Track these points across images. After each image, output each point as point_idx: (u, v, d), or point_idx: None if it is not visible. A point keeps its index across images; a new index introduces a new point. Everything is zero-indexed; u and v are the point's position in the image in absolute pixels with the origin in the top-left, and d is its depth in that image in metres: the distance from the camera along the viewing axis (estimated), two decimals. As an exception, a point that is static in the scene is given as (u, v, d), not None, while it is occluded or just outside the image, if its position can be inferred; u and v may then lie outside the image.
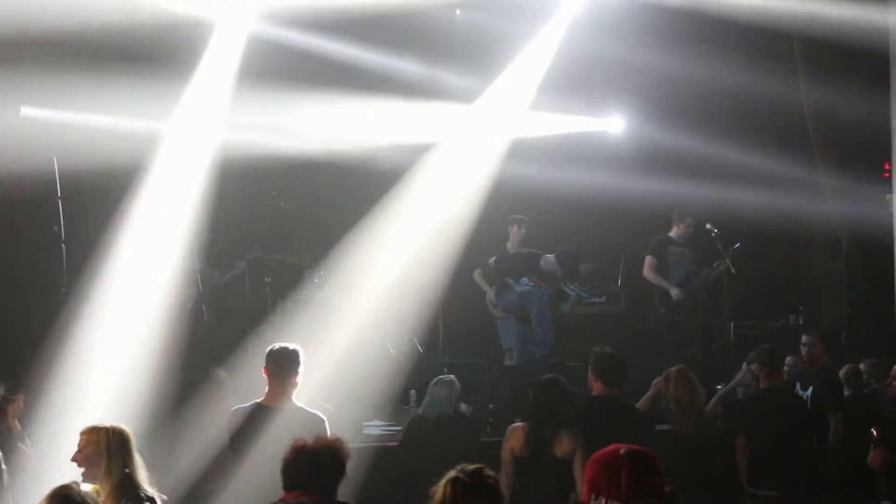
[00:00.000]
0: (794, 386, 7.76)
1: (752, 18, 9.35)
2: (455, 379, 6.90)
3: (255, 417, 5.49)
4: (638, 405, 7.10)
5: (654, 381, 7.35)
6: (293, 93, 9.30)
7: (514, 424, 6.00)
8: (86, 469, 4.78)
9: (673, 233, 10.18)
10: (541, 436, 5.76)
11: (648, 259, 10.16)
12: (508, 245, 10.42)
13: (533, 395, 5.92)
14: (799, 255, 11.78)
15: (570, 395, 5.98)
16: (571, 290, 10.48)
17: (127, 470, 4.76)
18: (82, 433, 4.88)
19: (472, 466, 3.55)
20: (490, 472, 3.55)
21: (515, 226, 10.38)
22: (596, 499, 3.25)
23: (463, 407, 7.23)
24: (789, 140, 10.63)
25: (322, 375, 6.88)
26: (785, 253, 11.73)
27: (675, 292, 9.95)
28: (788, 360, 7.96)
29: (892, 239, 8.96)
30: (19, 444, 6.63)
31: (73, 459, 4.83)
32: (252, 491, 5.14)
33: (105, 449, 4.77)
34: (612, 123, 11.76)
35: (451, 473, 3.49)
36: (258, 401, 5.62)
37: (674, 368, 7.17)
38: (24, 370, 7.77)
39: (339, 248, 9.76)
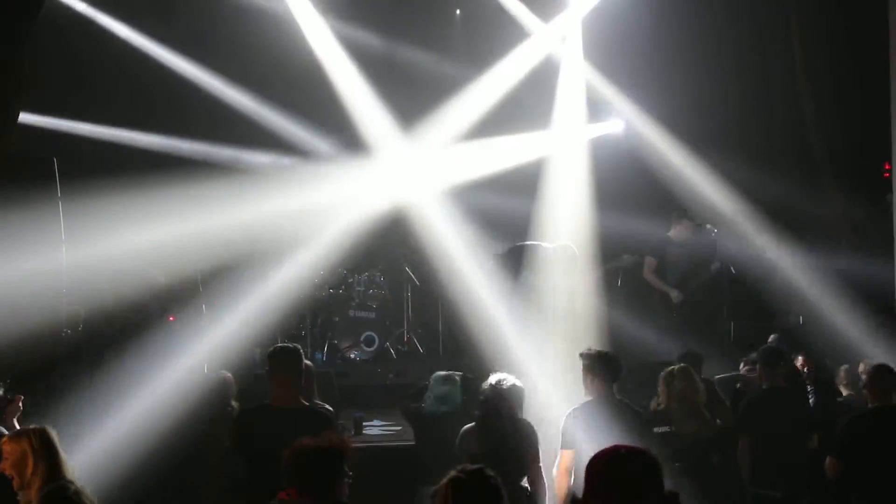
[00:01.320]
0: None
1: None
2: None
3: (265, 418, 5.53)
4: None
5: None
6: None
7: (467, 426, 5.92)
8: (15, 476, 4.74)
9: (672, 233, 10.17)
10: (493, 434, 5.72)
11: (648, 259, 10.14)
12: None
13: (483, 397, 5.84)
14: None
15: (517, 395, 5.90)
16: None
17: (55, 468, 4.73)
18: (4, 443, 4.85)
19: (472, 466, 3.56)
20: (491, 473, 3.55)
21: None
22: (595, 498, 3.25)
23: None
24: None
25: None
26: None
27: (674, 293, 9.94)
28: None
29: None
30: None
31: (1, 470, 4.80)
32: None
33: (31, 451, 4.75)
34: (613, 125, 11.79)
35: (452, 473, 3.50)
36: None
37: (676, 368, 7.16)
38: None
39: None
